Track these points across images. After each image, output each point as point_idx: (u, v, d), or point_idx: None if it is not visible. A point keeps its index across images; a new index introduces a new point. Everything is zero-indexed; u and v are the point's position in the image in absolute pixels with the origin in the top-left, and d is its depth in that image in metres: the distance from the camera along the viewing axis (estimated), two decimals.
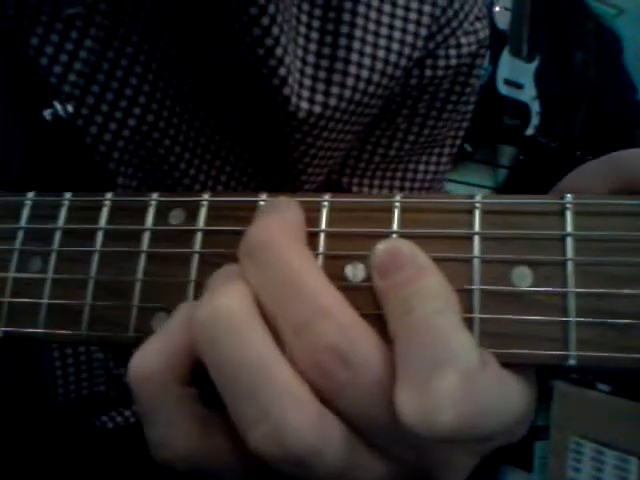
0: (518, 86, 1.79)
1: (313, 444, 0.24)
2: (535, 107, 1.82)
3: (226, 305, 0.25)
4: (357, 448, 0.25)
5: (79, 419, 0.50)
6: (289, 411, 0.24)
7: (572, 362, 0.25)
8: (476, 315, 0.25)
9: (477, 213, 0.26)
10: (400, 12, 0.49)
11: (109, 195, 0.31)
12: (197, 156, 0.49)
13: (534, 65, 1.83)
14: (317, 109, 0.47)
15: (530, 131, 1.82)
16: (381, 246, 0.26)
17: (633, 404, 1.02)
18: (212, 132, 0.49)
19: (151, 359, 0.27)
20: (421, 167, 0.57)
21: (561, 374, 1.15)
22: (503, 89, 1.76)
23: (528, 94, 1.81)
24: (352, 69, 0.47)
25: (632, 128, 1.97)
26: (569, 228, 0.26)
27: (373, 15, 0.48)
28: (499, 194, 0.27)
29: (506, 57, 1.77)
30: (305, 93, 0.47)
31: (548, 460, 1.15)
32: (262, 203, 0.29)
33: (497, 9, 1.75)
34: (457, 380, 0.22)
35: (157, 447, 0.27)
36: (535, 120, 1.82)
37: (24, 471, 0.45)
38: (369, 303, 0.26)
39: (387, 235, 0.27)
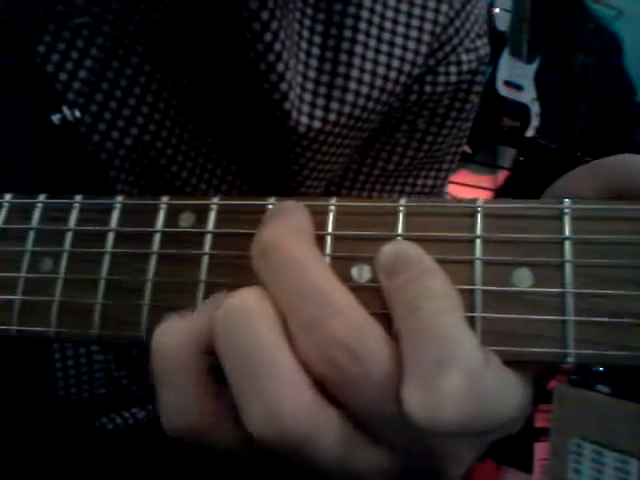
0: (518, 87, 1.80)
1: (306, 429, 0.25)
2: (535, 108, 1.82)
3: (242, 297, 0.27)
4: (358, 441, 0.26)
5: (78, 420, 0.51)
6: (284, 394, 0.25)
7: (570, 359, 0.26)
8: (478, 314, 0.26)
9: (479, 217, 0.27)
10: (401, 29, 0.49)
11: (120, 198, 0.32)
12: (199, 165, 0.50)
13: (534, 66, 1.84)
14: (317, 124, 0.48)
15: (530, 132, 1.82)
16: (387, 248, 0.27)
17: (633, 405, 1.02)
18: (215, 142, 0.50)
19: (180, 325, 0.28)
20: (419, 181, 0.58)
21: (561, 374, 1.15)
22: (503, 90, 1.76)
23: (528, 95, 1.82)
24: (352, 85, 0.48)
25: (632, 129, 1.98)
26: (567, 232, 0.27)
27: (374, 32, 0.48)
28: (500, 198, 0.27)
29: (506, 58, 1.78)
30: (305, 108, 0.47)
31: (548, 462, 1.16)
32: (270, 206, 0.30)
33: (497, 10, 1.76)
34: (461, 378, 0.23)
35: (168, 414, 0.28)
36: (535, 121, 1.82)
37: (23, 471, 0.45)
38: (374, 303, 0.27)
39: (392, 238, 0.28)
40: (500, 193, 1.92)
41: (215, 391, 0.28)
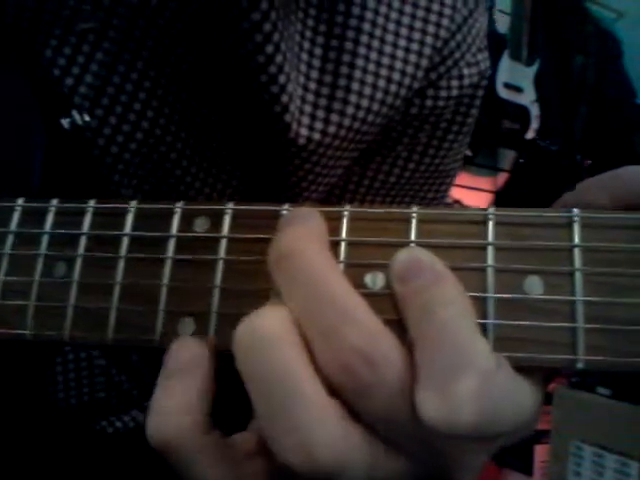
0: (518, 90, 1.80)
1: (340, 459, 0.25)
2: (535, 111, 1.83)
3: (264, 322, 0.26)
4: (378, 451, 0.27)
5: (78, 424, 0.51)
6: (316, 426, 0.25)
7: (580, 366, 0.26)
8: (490, 321, 0.27)
9: (490, 225, 0.28)
10: (402, 42, 0.49)
11: (134, 202, 0.32)
12: (203, 169, 0.50)
13: (534, 69, 1.84)
14: (316, 136, 0.48)
15: (530, 135, 1.82)
16: (401, 254, 0.27)
17: (633, 407, 1.03)
18: (219, 146, 0.50)
19: (171, 421, 0.28)
20: (420, 194, 0.58)
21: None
22: (503, 93, 1.76)
23: (528, 98, 1.82)
24: (353, 98, 0.48)
25: (632, 132, 1.98)
26: (577, 240, 0.27)
27: (376, 45, 0.48)
28: (511, 207, 0.28)
29: (506, 61, 1.78)
30: (305, 120, 0.47)
31: (548, 464, 1.16)
32: (285, 212, 0.30)
33: (497, 12, 1.76)
34: (476, 381, 0.24)
35: None
36: (535, 124, 1.82)
37: (23, 474, 0.45)
38: (387, 310, 0.27)
39: (405, 245, 0.28)
40: (500, 195, 1.93)
41: (229, 453, 0.29)
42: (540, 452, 1.27)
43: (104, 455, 0.52)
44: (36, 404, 0.46)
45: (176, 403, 0.28)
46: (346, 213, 0.29)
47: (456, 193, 1.73)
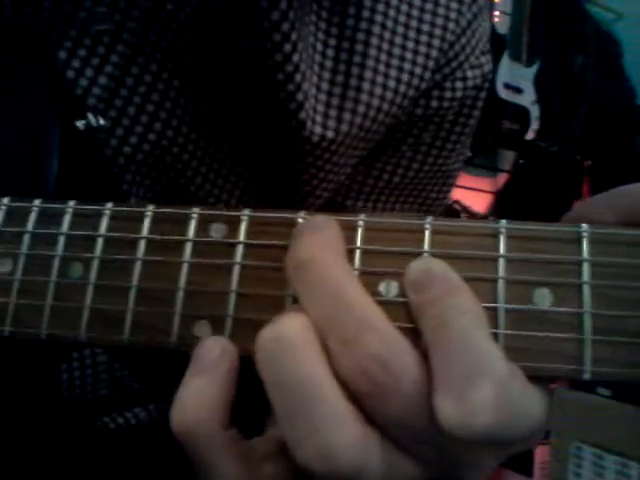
0: (518, 90, 1.81)
1: (358, 461, 0.26)
2: (535, 111, 1.83)
3: (287, 328, 0.27)
4: (394, 457, 0.27)
5: (81, 420, 0.51)
6: (336, 431, 0.26)
7: (587, 377, 0.27)
8: (501, 331, 0.27)
9: (502, 237, 0.28)
10: (410, 44, 0.50)
11: (151, 206, 0.32)
12: (213, 171, 0.51)
13: (534, 69, 1.85)
14: (330, 134, 0.49)
15: (530, 135, 1.83)
16: (415, 263, 0.28)
17: (634, 408, 1.03)
18: (229, 148, 0.51)
19: (192, 411, 0.28)
20: (424, 194, 0.59)
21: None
22: (503, 93, 1.77)
23: (528, 98, 1.83)
24: (364, 97, 0.49)
25: (631, 132, 1.99)
26: (585, 254, 0.28)
27: (385, 46, 0.50)
28: (522, 221, 0.29)
29: (506, 61, 1.79)
30: (319, 118, 0.48)
31: (548, 465, 1.16)
32: (300, 220, 0.30)
33: (497, 13, 1.77)
34: (492, 388, 0.25)
35: None
36: (535, 124, 1.83)
37: (25, 470, 0.45)
38: (401, 318, 0.28)
39: (419, 254, 0.29)
40: (500, 196, 1.93)
41: (247, 452, 0.29)
42: (540, 452, 1.27)
43: (105, 451, 0.52)
44: (39, 400, 0.47)
45: (200, 395, 0.29)
46: (361, 222, 0.30)
47: (456, 194, 1.73)
